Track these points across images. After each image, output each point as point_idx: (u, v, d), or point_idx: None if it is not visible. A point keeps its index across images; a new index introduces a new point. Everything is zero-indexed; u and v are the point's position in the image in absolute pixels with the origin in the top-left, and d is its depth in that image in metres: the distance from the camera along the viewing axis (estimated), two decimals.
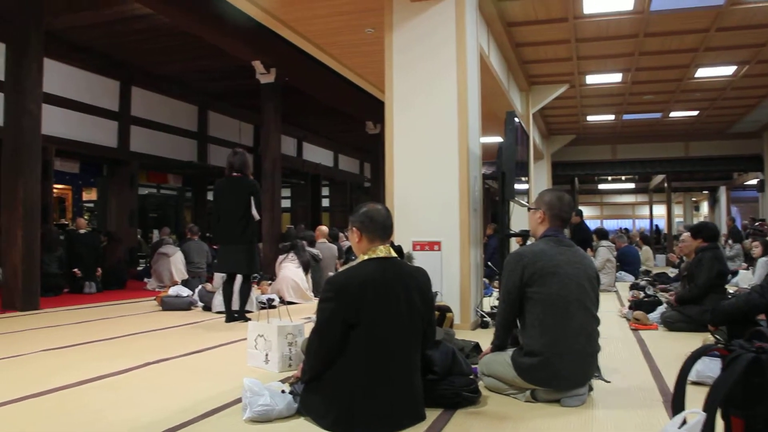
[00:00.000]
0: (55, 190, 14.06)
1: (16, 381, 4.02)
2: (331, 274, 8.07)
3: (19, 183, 7.87)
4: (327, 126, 20.20)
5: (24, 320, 7.04)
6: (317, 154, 21.86)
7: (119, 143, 13.93)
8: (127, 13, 10.63)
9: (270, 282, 9.56)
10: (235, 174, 6.72)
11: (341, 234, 12.49)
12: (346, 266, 3.02)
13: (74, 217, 16.70)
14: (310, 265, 9.27)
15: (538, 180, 16.50)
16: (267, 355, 4.34)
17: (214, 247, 13.05)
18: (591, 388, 3.53)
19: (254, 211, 6.66)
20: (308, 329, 4.55)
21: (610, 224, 32.85)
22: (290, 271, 8.99)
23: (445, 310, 4.69)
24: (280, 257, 9.32)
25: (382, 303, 2.82)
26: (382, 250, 2.96)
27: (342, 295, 2.79)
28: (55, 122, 11.63)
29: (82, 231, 10.80)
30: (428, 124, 6.34)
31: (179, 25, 10.64)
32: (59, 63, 12.06)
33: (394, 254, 3.01)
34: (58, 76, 11.96)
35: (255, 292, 8.29)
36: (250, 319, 6.07)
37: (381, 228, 2.99)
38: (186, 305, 8.13)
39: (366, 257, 2.94)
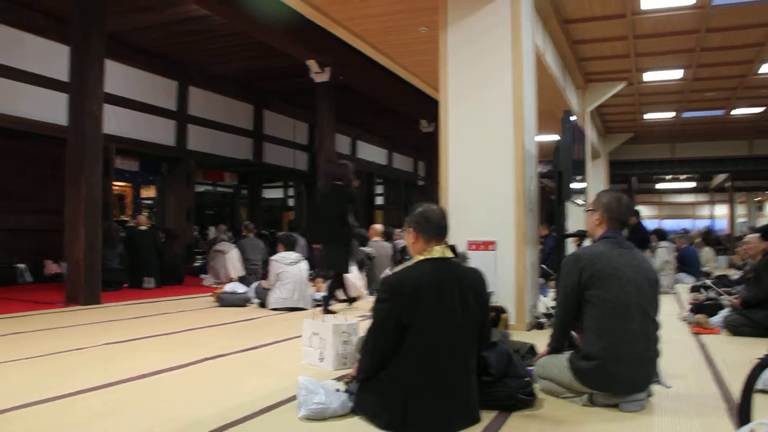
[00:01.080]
0: (115, 188, 14.45)
1: (77, 374, 4.13)
2: (387, 271, 8.13)
3: (82, 181, 8.10)
4: (381, 124, 20.24)
5: (86, 314, 7.25)
6: (371, 153, 21.92)
7: (177, 142, 14.21)
8: (185, 14, 10.83)
9: (324, 279, 9.64)
10: (336, 183, 7.45)
11: (396, 231, 12.48)
12: (401, 266, 3.01)
13: (134, 214, 17.13)
14: (364, 263, 9.31)
15: (594, 179, 16.22)
16: (322, 353, 4.37)
17: (268, 244, 13.29)
18: (650, 394, 3.45)
19: (350, 216, 7.36)
20: (363, 328, 4.58)
21: (669, 224, 32.09)
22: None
23: (500, 310, 4.65)
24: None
25: (437, 304, 2.81)
26: (438, 251, 2.95)
27: (397, 296, 2.79)
28: (115, 121, 11.95)
29: (142, 227, 11.05)
30: (483, 122, 6.29)
31: (235, 26, 10.80)
32: (119, 64, 12.37)
33: (449, 254, 2.99)
34: (118, 77, 12.26)
35: (310, 289, 8.37)
36: (334, 312, 6.93)
37: (437, 228, 2.98)
38: (242, 302, 8.24)
39: (421, 257, 2.94)
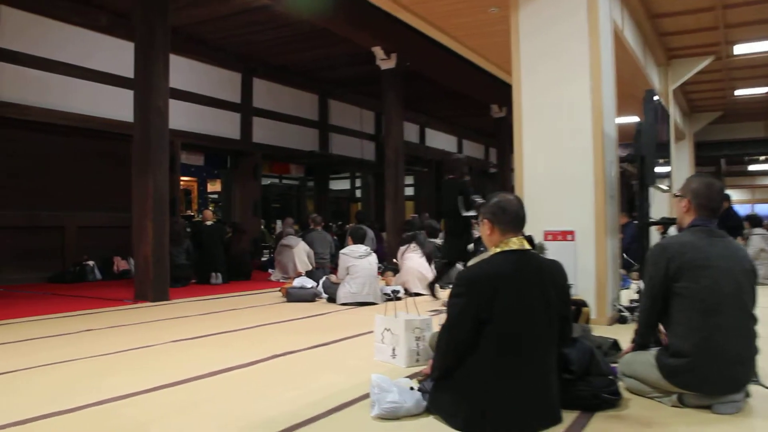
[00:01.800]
0: (181, 183, 14.80)
1: (149, 371, 4.26)
2: (458, 266, 8.10)
3: (149, 177, 8.33)
4: (450, 111, 20.13)
5: (155, 311, 7.46)
6: (440, 140, 21.85)
7: (242, 135, 14.47)
8: (246, 5, 10.99)
9: (394, 273, 9.66)
10: (449, 177, 8.03)
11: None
12: (475, 258, 2.98)
13: (200, 209, 17.55)
14: (433, 255, 9.29)
15: (679, 162, 15.73)
16: (394, 349, 4.37)
17: (335, 237, 13.40)
18: (748, 395, 3.30)
19: (461, 208, 7.77)
20: (436, 323, 4.57)
21: (763, 209, 30.84)
22: (415, 261, 9.05)
23: (581, 304, 4.57)
24: (402, 248, 9.39)
25: (516, 298, 2.77)
26: (515, 242, 2.90)
27: (473, 290, 2.76)
28: (180, 116, 12.24)
29: (208, 222, 11.28)
30: (559, 105, 6.17)
31: (298, 15, 10.88)
32: (183, 58, 12.67)
33: (527, 246, 2.94)
34: (181, 71, 12.55)
35: (380, 283, 8.40)
36: (438, 298, 7.87)
37: (513, 219, 2.93)
38: (310, 297, 8.34)
39: (498, 250, 2.90)
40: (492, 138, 21.18)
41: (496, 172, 20.90)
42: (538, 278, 2.85)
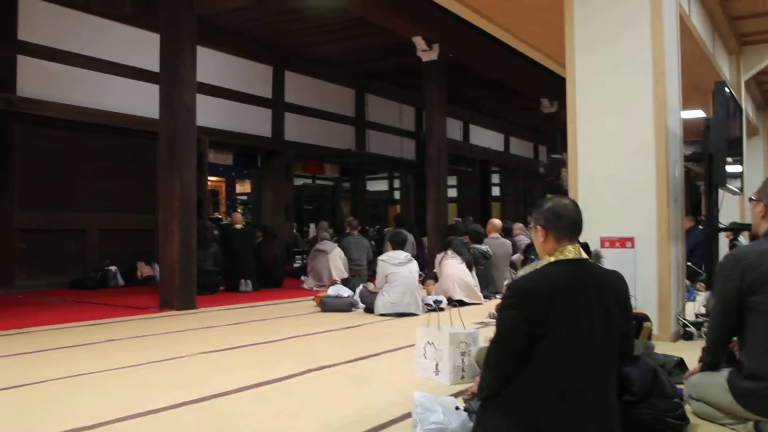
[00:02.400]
0: (208, 183, 14.93)
1: (175, 385, 4.29)
2: (509, 274, 8.04)
3: (175, 177, 8.39)
4: (496, 106, 20.04)
5: (181, 320, 7.53)
6: (486, 138, 21.76)
7: (273, 132, 14.57)
8: None
9: (436, 281, 9.60)
10: (546, 179, 8.18)
11: (517, 226, 12.31)
12: (526, 267, 2.94)
13: (228, 211, 17.70)
14: (473, 263, 9.22)
15: (752, 161, 15.41)
16: (437, 365, 4.35)
17: (372, 242, 13.41)
18: None
19: None
20: (483, 336, 4.53)
21: None
22: (455, 268, 9.00)
23: (642, 318, 4.49)
24: (439, 255, 9.34)
25: (572, 312, 2.72)
26: (571, 251, 2.85)
27: (526, 302, 2.72)
28: (207, 112, 12.34)
29: (237, 226, 11.36)
30: (618, 98, 6.07)
31: (333, 2, 10.91)
32: (209, 49, 12.77)
33: (584, 255, 2.89)
34: (209, 63, 12.67)
35: (421, 293, 8.37)
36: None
37: (570, 225, 2.88)
38: (347, 306, 8.35)
39: (552, 259, 2.85)
40: (542, 135, 21.03)
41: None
42: (597, 290, 2.79)
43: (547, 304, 2.70)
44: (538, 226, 2.92)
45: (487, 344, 4.43)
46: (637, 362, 3.16)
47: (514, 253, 10.41)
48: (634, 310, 4.47)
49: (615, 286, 2.87)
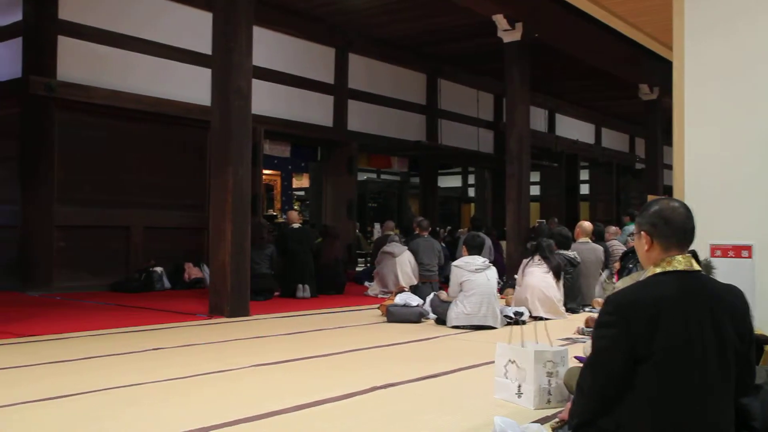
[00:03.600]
0: (263, 177, 15.08)
1: (227, 401, 4.31)
2: (601, 285, 7.89)
3: (229, 171, 8.46)
4: (587, 92, 19.76)
5: (233, 328, 7.60)
6: (574, 129, 21.51)
7: (335, 121, 14.64)
8: None
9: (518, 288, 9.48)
10: None
11: (610, 229, 12.08)
12: (626, 279, 2.86)
13: (284, 209, 17.86)
14: (561, 270, 9.08)
15: None
16: (520, 386, 4.28)
17: (443, 244, 13.35)
18: None
19: None
20: (573, 356, 4.44)
21: None
22: (537, 278, 8.87)
23: (764, 341, 4.32)
24: (525, 261, 9.23)
25: (682, 332, 2.63)
26: (681, 261, 2.76)
27: (628, 319, 2.64)
28: (263, 99, 12.40)
29: (294, 225, 11.42)
30: (736, 80, 5.87)
31: None
32: (266, 30, 12.84)
33: (696, 267, 2.79)
34: (265, 45, 12.76)
35: (499, 303, 8.29)
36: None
37: (679, 232, 2.79)
38: (416, 317, 8.31)
39: (658, 270, 2.76)
40: (639, 126, 20.66)
41: (644, 169, 20.35)
42: (711, 308, 2.69)
43: (651, 322, 2.62)
44: (642, 232, 2.84)
45: (577, 364, 4.33)
46: (758, 393, 3.05)
47: (607, 260, 10.22)
48: (755, 331, 4.32)
49: (733, 302, 2.77)
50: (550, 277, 8.88)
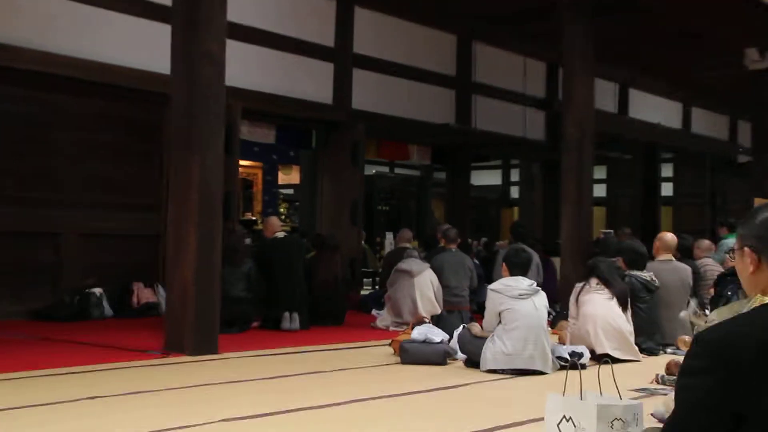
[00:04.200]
0: (240, 170, 15.07)
1: None
2: (689, 318, 7.83)
3: (194, 161, 8.41)
4: (671, 61, 19.66)
5: (196, 370, 7.59)
6: (653, 109, 21.45)
7: (336, 96, 14.63)
8: None
9: (573, 323, 9.45)
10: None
11: (702, 244, 12.01)
12: (722, 310, 2.83)
13: (265, 211, 17.85)
14: (627, 297, 9.03)
15: None
16: None
17: (477, 261, 13.31)
18: None
19: None
20: (647, 410, 4.41)
21: None
22: (601, 306, 8.83)
23: None
24: (578, 286, 9.19)
25: None
26: None
27: (726, 365, 2.61)
28: (240, 66, 12.29)
29: (279, 234, 11.39)
30: None
31: None
32: None
33: None
34: None
35: (551, 340, 8.26)
36: None
37: None
38: (439, 357, 8.29)
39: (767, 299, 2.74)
40: (743, 105, 20.57)
41: (749, 163, 20.29)
42: None
43: (759, 369, 2.59)
44: (746, 248, 2.81)
45: (655, 424, 4.30)
46: None
47: (696, 285, 10.17)
48: None
49: None
50: (615, 305, 8.84)
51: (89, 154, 11.90)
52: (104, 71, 11.48)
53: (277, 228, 11.68)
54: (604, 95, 19.06)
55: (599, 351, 8.42)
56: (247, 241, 12.04)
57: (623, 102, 20.75)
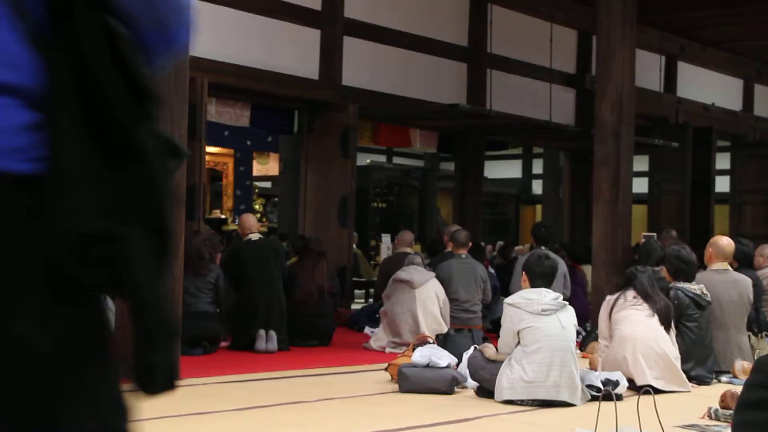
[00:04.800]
0: (207, 159, 15.07)
1: None
2: (748, 340, 7.84)
3: None
4: (728, 28, 19.70)
5: (150, 399, 7.59)
6: (707, 87, 21.47)
7: (322, 70, 14.64)
8: None
9: (605, 345, 9.47)
10: None
11: (765, 250, 12.03)
12: None
13: (237, 208, 17.88)
14: (671, 315, 9.04)
15: None
16: None
17: (492, 270, 13.32)
18: None
19: None
20: None
21: None
22: (641, 326, 8.83)
23: None
24: (610, 298, 9.20)
25: None
26: None
27: None
28: (207, 33, 12.26)
29: (253, 236, 11.41)
30: None
31: None
32: None
33: None
34: None
35: (580, 366, 8.26)
36: None
37: None
38: (446, 384, 8.30)
39: None
40: None
41: None
42: None
43: None
44: None
45: None
46: None
47: (758, 299, 10.18)
48: None
49: None
50: (657, 324, 8.84)
51: None
52: None
53: (253, 228, 11.64)
54: (648, 68, 19.07)
55: (640, 382, 8.32)
56: (217, 246, 12.07)
57: (671, 78, 20.78)
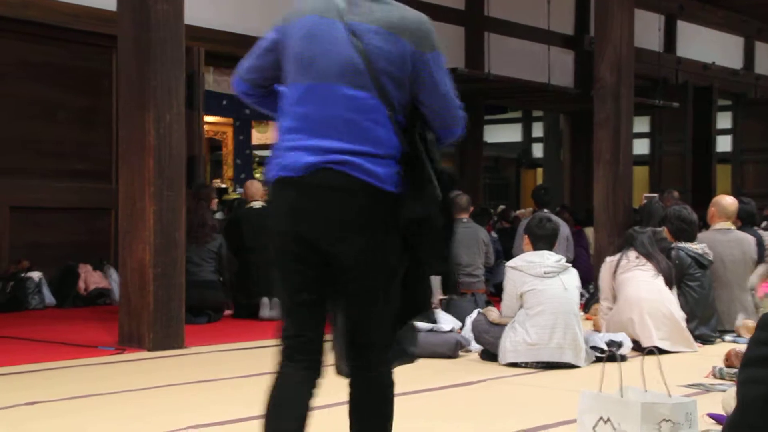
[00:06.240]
0: (205, 128, 15.01)
1: None
2: (754, 297, 7.83)
3: (148, 118, 8.40)
4: None
5: (158, 368, 7.61)
6: (707, 46, 21.43)
7: None
8: None
9: (608, 307, 9.47)
10: None
11: None
12: None
13: (237, 177, 17.84)
14: (672, 275, 9.03)
15: None
16: None
17: (493, 233, 13.31)
18: None
19: None
20: (703, 409, 4.42)
21: None
22: (647, 287, 8.80)
23: None
24: (610, 260, 9.20)
25: None
26: None
27: None
28: (201, 2, 12.24)
29: (256, 204, 11.36)
30: None
31: None
32: None
33: None
34: None
35: (583, 327, 8.26)
36: None
37: None
38: (449, 348, 8.34)
39: None
40: None
41: None
42: None
43: None
44: None
45: (713, 426, 4.35)
46: None
47: (761, 258, 10.18)
48: None
49: None
50: (663, 285, 8.83)
51: (19, 112, 11.86)
52: (36, 7, 11.39)
53: (259, 195, 11.48)
54: (647, 28, 19.02)
55: (646, 343, 8.18)
56: (218, 215, 12.05)
57: (670, 37, 20.74)
